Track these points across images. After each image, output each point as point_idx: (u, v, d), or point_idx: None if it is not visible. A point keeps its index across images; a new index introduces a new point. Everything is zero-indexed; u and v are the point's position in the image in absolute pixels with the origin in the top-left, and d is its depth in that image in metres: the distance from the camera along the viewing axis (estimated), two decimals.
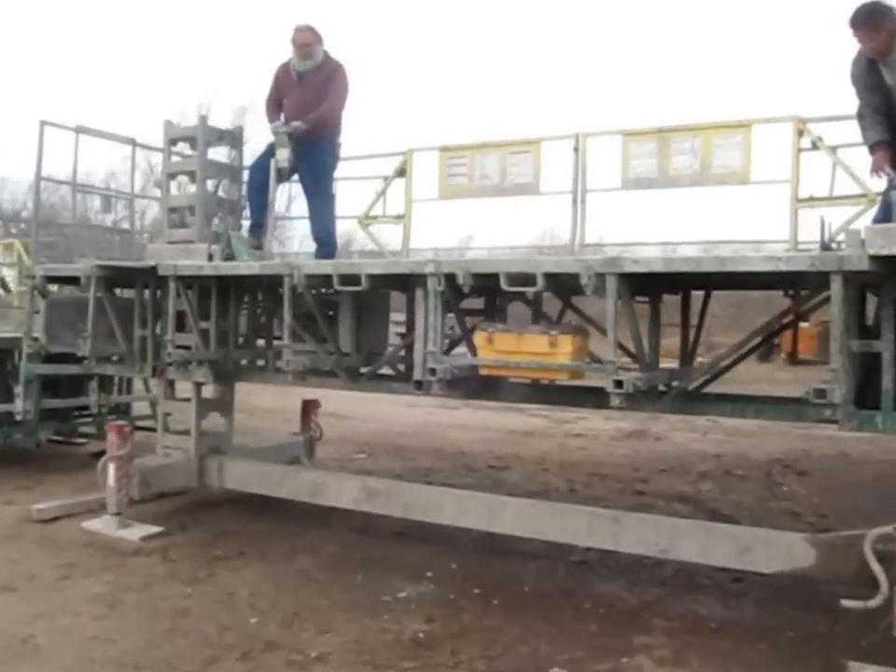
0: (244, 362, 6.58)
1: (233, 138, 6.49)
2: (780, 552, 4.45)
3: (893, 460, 9.48)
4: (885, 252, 3.64)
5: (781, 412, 4.70)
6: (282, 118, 6.38)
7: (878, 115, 4.58)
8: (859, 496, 7.61)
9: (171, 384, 6.64)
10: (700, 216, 7.06)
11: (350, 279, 5.02)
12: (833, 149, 5.63)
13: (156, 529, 5.84)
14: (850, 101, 5.43)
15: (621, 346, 5.24)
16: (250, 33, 59.22)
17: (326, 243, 6.56)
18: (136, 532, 5.78)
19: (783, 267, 3.86)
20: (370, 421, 11.38)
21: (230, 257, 6.08)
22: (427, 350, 4.70)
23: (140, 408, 8.88)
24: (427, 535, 5.85)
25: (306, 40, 6.36)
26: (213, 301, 6.08)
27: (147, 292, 6.41)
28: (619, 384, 4.13)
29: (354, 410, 11.69)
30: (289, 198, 9.68)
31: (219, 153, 6.66)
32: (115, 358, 6.72)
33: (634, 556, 5.28)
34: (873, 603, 3.67)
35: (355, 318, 5.83)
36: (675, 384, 4.81)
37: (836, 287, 3.75)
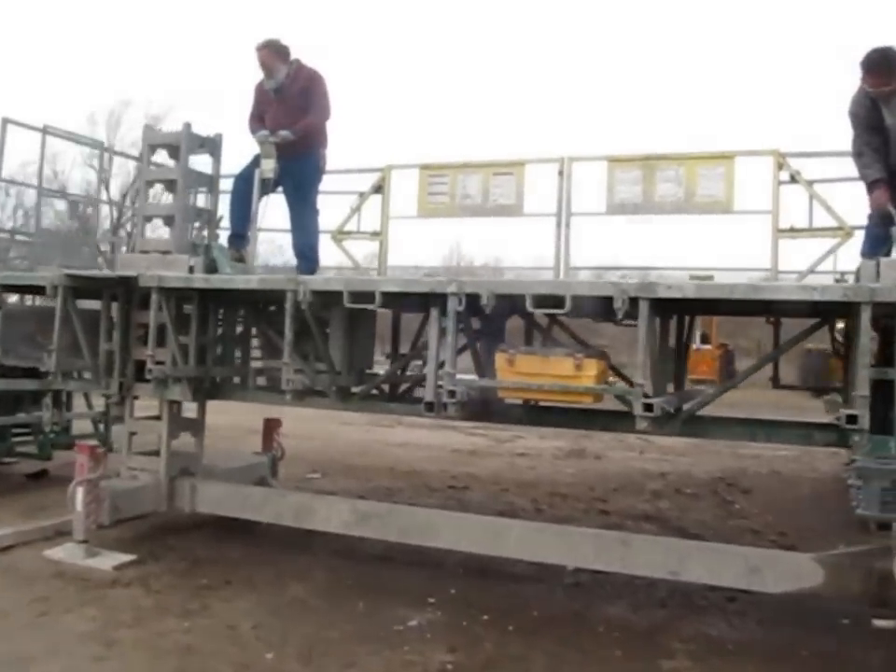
0: (218, 379, 6.22)
1: (213, 146, 6.17)
2: (788, 571, 4.50)
3: (821, 478, 9.91)
4: None
5: (790, 436, 4.79)
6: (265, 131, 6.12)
7: (877, 154, 4.76)
8: (807, 513, 7.88)
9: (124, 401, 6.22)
10: (683, 242, 7.19)
11: (362, 297, 4.82)
12: (810, 183, 5.85)
13: (128, 557, 5.43)
14: (827, 138, 5.68)
15: (613, 369, 5.30)
16: (167, 43, 57.45)
17: (308, 258, 6.32)
18: (107, 561, 5.35)
19: (818, 297, 3.93)
20: (311, 439, 11.02)
21: (211, 268, 5.77)
22: (445, 371, 4.56)
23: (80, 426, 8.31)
24: (412, 558, 5.68)
25: (263, 60, 6.18)
26: (194, 315, 5.73)
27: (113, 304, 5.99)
28: (648, 407, 4.11)
29: (289, 427, 11.31)
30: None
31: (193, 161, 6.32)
32: (76, 374, 6.24)
33: (625, 577, 5.28)
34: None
35: (346, 336, 5.62)
36: (685, 406, 4.84)
37: (866, 316, 3.84)
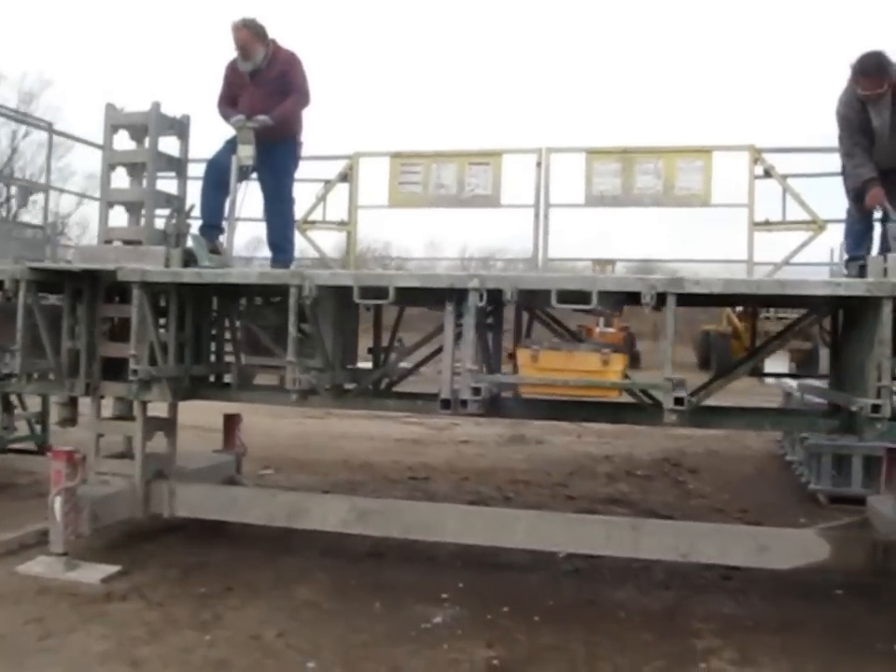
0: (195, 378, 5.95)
1: (181, 128, 5.85)
2: (796, 548, 4.76)
3: (756, 456, 10.45)
4: None
5: (794, 423, 5.02)
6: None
7: (867, 153, 5.01)
8: (756, 490, 8.30)
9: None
10: (662, 234, 7.36)
11: (373, 292, 4.71)
12: (784, 178, 6.13)
13: (112, 568, 5.12)
14: (800, 134, 5.96)
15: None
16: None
17: (284, 249, 6.12)
18: (92, 574, 5.04)
19: (842, 292, 4.13)
20: (247, 434, 10.68)
21: (188, 260, 5.50)
22: (467, 368, 4.52)
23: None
24: (404, 554, 5.65)
25: (242, 41, 5.91)
26: (172, 310, 5.46)
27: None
28: (679, 401, 4.21)
29: (214, 421, 10.98)
30: None
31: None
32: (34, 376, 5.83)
33: (619, 561, 5.44)
34: None
35: (336, 332, 5.48)
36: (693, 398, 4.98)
37: (887, 310, 4.05)
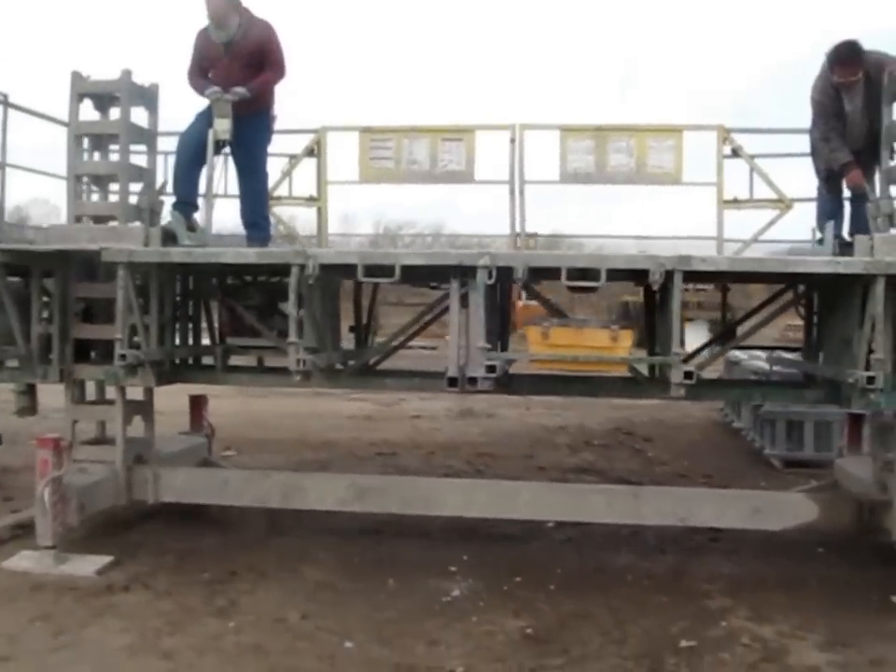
0: (177, 361, 5.74)
1: (150, 98, 5.58)
2: (787, 510, 5.00)
3: (699, 424, 10.84)
4: None
5: (783, 396, 5.23)
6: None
7: (842, 138, 5.23)
8: (712, 456, 8.63)
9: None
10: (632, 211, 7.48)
11: (378, 270, 4.65)
12: (752, 157, 6.34)
13: (105, 559, 4.94)
14: (765, 116, 6.16)
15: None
16: None
17: (261, 226, 5.94)
18: (84, 566, 4.84)
19: (842, 270, 4.34)
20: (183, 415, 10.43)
21: (167, 239, 5.30)
22: (479, 346, 4.53)
23: None
24: (400, 530, 5.67)
25: (215, 10, 5.65)
26: (154, 291, 5.24)
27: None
28: (689, 375, 4.34)
29: (162, 404, 10.64)
30: None
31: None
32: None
33: (608, 528, 5.60)
34: None
35: (325, 311, 5.40)
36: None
37: (881, 287, 4.27)
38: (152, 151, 5.63)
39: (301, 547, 5.33)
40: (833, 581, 4.75)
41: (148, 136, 5.57)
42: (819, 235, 5.58)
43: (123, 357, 4.91)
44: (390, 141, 6.68)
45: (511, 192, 6.50)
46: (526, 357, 4.63)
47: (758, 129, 6.48)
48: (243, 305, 5.59)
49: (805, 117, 5.80)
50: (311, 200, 6.85)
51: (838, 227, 5.45)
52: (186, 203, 5.73)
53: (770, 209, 6.28)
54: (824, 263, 4.39)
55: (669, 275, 4.33)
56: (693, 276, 4.56)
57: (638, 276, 4.40)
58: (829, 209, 5.57)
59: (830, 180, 5.51)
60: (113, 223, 5.41)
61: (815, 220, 5.72)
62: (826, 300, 5.23)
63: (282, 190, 6.89)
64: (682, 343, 4.34)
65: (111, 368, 5.12)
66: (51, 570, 4.76)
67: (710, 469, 7.83)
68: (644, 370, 4.93)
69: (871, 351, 4.33)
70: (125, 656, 3.73)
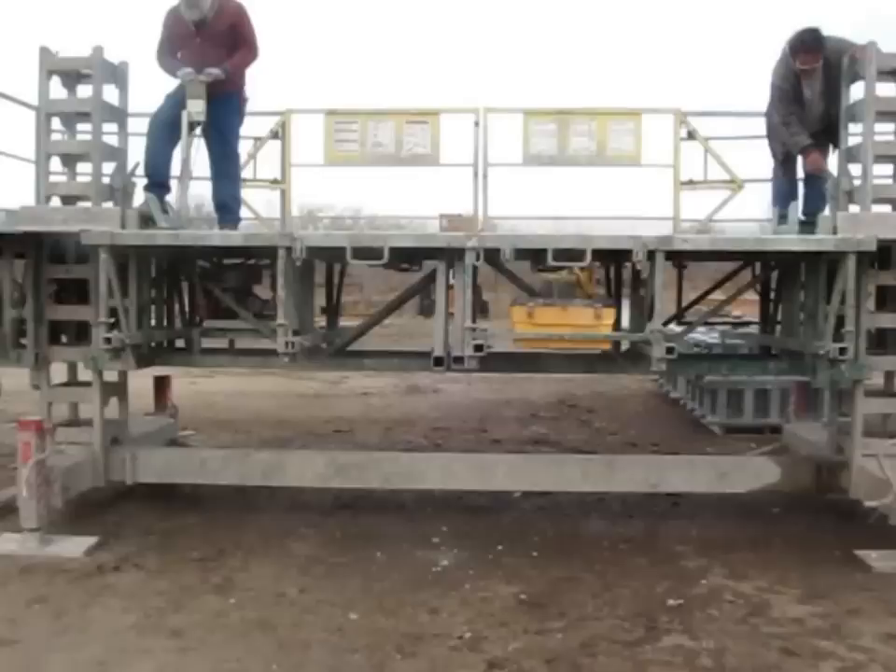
0: (153, 344, 5.61)
1: (120, 76, 5.39)
2: (751, 473, 5.27)
3: (635, 395, 11.20)
4: (890, 237, 4.52)
5: (749, 368, 5.49)
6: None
7: (802, 122, 5.46)
8: (656, 425, 8.96)
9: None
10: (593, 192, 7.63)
11: (367, 252, 4.66)
12: (706, 140, 6.56)
13: (90, 540, 4.84)
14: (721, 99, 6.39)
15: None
16: None
17: (232, 208, 5.82)
18: (70, 547, 4.74)
19: (815, 247, 4.57)
20: (146, 395, 10.18)
21: (144, 221, 5.17)
22: (466, 326, 4.60)
23: None
24: (373, 504, 5.75)
25: None
26: (132, 273, 5.10)
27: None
28: (670, 349, 4.52)
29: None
30: None
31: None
32: None
33: (572, 496, 5.79)
34: (887, 500, 4.50)
35: (303, 291, 5.38)
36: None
37: (851, 264, 4.52)
38: (123, 130, 5.45)
39: (282, 523, 5.33)
40: (795, 539, 5.03)
41: (119, 115, 5.39)
42: (774, 215, 5.82)
43: (108, 340, 4.78)
44: (355, 124, 6.65)
45: (476, 175, 6.56)
46: (514, 336, 4.69)
47: (713, 112, 6.69)
48: (220, 288, 5.50)
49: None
50: (275, 183, 6.75)
51: (795, 206, 5.72)
52: (158, 185, 5.58)
53: (723, 189, 6.52)
54: (799, 241, 4.61)
55: (652, 255, 4.49)
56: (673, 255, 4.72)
57: (622, 256, 4.54)
58: (783, 190, 5.82)
59: (786, 162, 5.75)
60: (84, 203, 5.25)
61: (770, 200, 5.97)
62: (784, 277, 5.49)
63: (246, 173, 6.77)
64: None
65: (94, 351, 5.00)
66: (37, 552, 4.64)
67: (656, 437, 8.14)
68: (626, 347, 5.08)
69: (839, 324, 4.60)
70: (134, 635, 3.69)
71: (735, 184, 6.51)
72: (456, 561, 4.72)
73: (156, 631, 3.74)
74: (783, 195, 5.81)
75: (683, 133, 6.53)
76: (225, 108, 5.62)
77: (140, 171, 5.59)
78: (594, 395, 11.03)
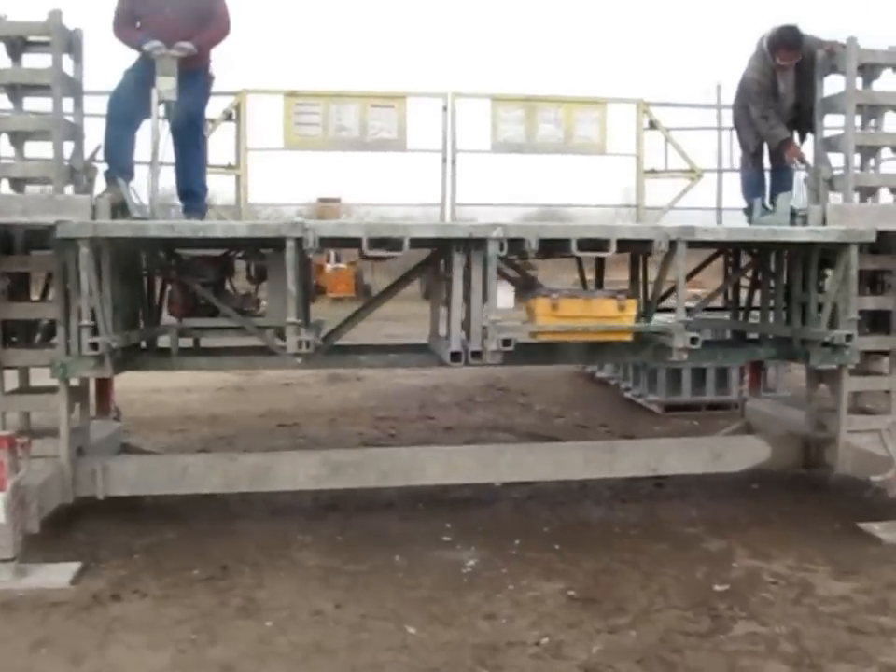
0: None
1: (76, 46, 4.65)
2: (744, 452, 5.28)
3: (563, 376, 11.07)
4: (891, 228, 4.60)
5: (740, 354, 5.49)
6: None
7: (779, 115, 5.48)
8: (596, 406, 8.93)
9: None
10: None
11: (385, 243, 4.26)
12: (668, 130, 6.51)
13: (73, 566, 4.19)
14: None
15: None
16: None
17: (198, 195, 5.22)
18: (51, 576, 4.08)
19: (821, 238, 4.58)
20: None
21: (119, 211, 4.52)
22: (490, 320, 4.31)
23: None
24: (358, 504, 5.32)
25: None
26: (105, 269, 4.42)
27: None
28: (694, 340, 4.41)
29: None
30: None
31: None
32: None
33: (552, 484, 5.59)
34: (889, 475, 4.60)
35: (301, 284, 4.88)
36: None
37: (854, 252, 4.57)
38: (79, 107, 4.73)
39: (273, 531, 4.86)
40: (791, 515, 5.07)
41: (76, 89, 4.67)
42: (757, 206, 5.80)
43: (95, 346, 4.12)
44: (317, 106, 6.10)
45: (444, 161, 6.21)
46: (539, 329, 4.43)
47: (674, 103, 6.65)
48: (201, 283, 4.91)
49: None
50: (229, 168, 6.11)
51: (761, 195, 5.77)
52: (122, 170, 4.90)
53: (684, 179, 6.50)
54: (806, 233, 4.62)
55: (673, 245, 4.37)
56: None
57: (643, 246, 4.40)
58: (753, 181, 5.86)
59: (757, 154, 5.78)
60: (33, 189, 4.54)
61: (741, 191, 6.00)
62: (765, 265, 5.53)
63: None
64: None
65: (61, 356, 4.33)
66: (15, 586, 3.96)
67: (602, 419, 8.14)
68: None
69: (834, 311, 4.65)
70: None
71: (694, 173, 6.50)
72: (481, 559, 4.43)
73: (203, 668, 3.24)
74: (753, 185, 5.85)
75: (646, 122, 6.44)
76: (192, 87, 4.99)
77: (100, 155, 4.89)
78: (518, 377, 10.90)
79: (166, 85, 4.75)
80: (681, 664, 3.26)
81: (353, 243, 4.31)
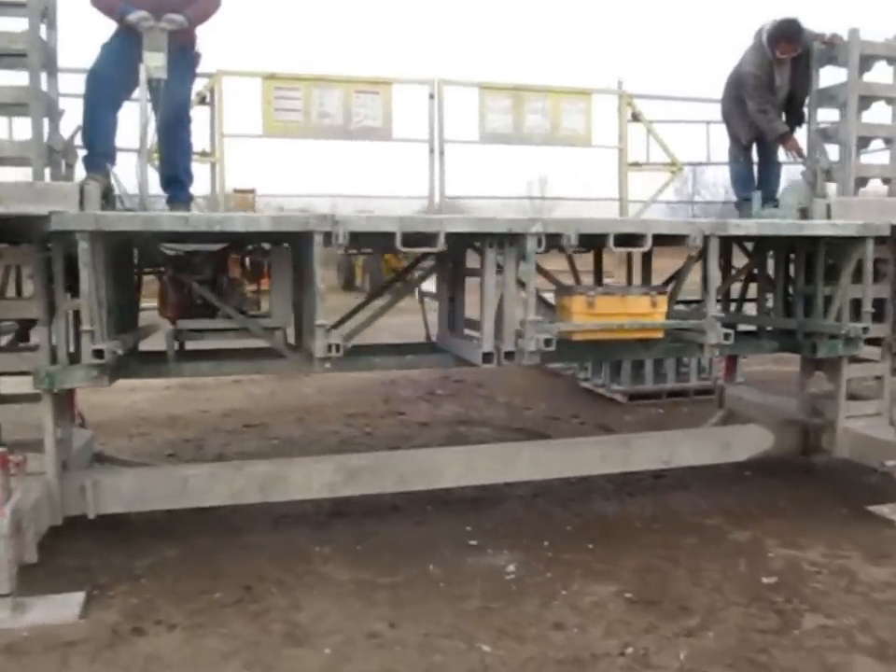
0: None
1: (50, 9, 4.03)
2: (750, 441, 5.21)
3: (516, 368, 10.80)
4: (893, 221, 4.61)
5: (744, 347, 5.41)
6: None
7: (776, 109, 5.42)
8: (557, 397, 8.76)
9: None
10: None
11: (419, 239, 3.91)
12: (650, 122, 6.39)
13: (77, 597, 3.65)
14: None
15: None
16: None
17: (184, 183, 4.67)
18: (56, 610, 3.55)
19: (841, 232, 4.53)
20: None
21: (107, 199, 3.98)
22: (530, 319, 4.04)
23: None
24: (364, 509, 4.92)
25: None
26: (98, 266, 3.85)
27: None
28: (727, 336, 4.28)
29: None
30: None
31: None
32: None
33: (554, 480, 5.38)
34: None
35: (297, 283, 4.49)
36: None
37: (870, 247, 4.55)
38: (54, 79, 4.11)
39: (284, 543, 4.44)
40: (798, 502, 5.02)
41: (52, 59, 4.06)
42: (756, 199, 5.73)
43: (100, 353, 3.58)
44: (298, 91, 5.64)
45: (432, 151, 5.86)
46: (578, 328, 4.19)
47: (657, 95, 6.53)
48: (198, 281, 4.39)
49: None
50: (204, 155, 5.56)
51: (750, 189, 5.72)
52: (103, 155, 4.32)
53: (665, 171, 6.40)
54: (828, 227, 4.56)
55: (707, 239, 4.22)
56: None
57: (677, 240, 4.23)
58: (743, 174, 5.79)
59: (749, 148, 5.72)
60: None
61: (731, 184, 5.93)
62: (764, 259, 5.47)
63: None
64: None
65: (62, 366, 3.77)
66: (17, 624, 3.42)
67: (569, 409, 7.99)
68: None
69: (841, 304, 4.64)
70: None
71: (675, 166, 6.41)
72: (519, 564, 4.16)
73: None
74: (744, 178, 5.79)
75: (629, 115, 6.29)
76: (179, 65, 4.44)
77: (77, 140, 4.30)
78: (470, 369, 10.64)
79: (155, 62, 4.21)
80: (776, 664, 3.10)
81: (380, 240, 3.93)
